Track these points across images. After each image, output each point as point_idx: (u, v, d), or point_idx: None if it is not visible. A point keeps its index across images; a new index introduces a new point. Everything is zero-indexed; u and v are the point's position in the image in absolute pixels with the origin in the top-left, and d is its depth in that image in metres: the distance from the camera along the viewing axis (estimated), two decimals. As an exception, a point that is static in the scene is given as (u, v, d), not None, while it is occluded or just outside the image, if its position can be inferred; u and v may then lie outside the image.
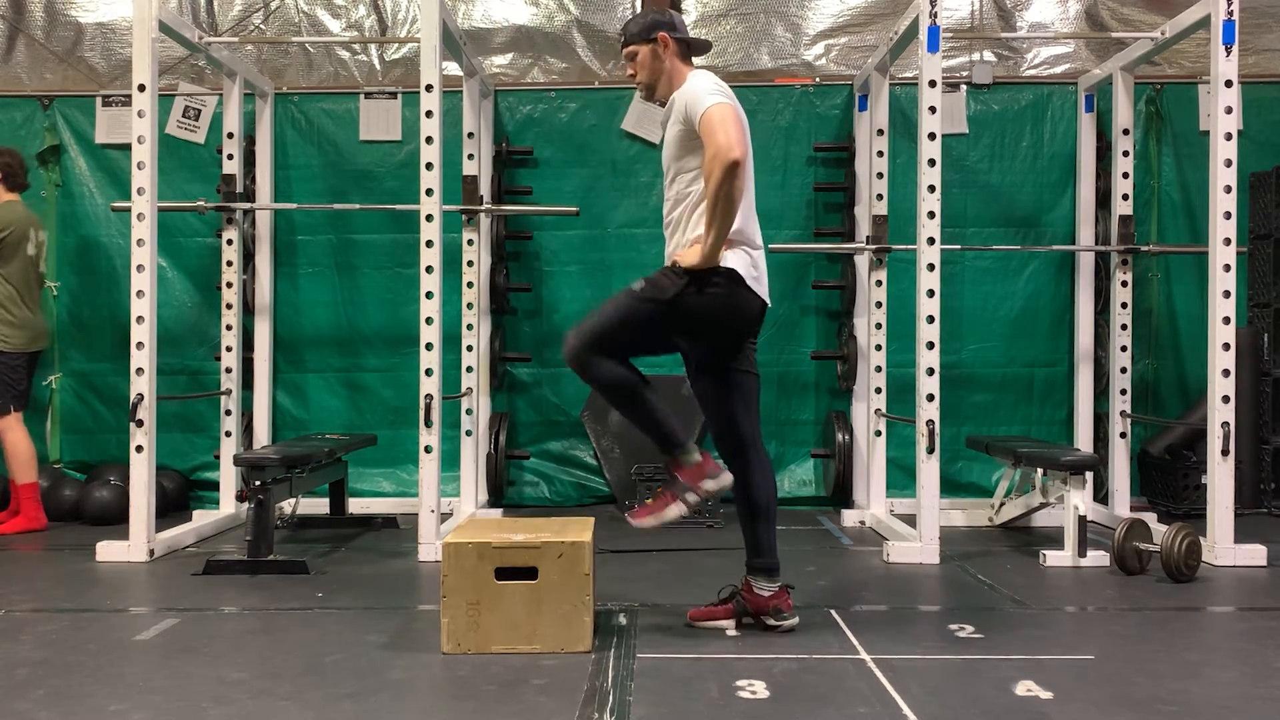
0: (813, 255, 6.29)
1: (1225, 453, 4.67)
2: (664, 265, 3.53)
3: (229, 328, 5.95)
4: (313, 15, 6.51)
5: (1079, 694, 2.91)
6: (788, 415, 6.39)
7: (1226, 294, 4.70)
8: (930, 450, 4.74)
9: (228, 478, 5.84)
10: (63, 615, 3.84)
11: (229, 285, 5.96)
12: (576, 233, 6.35)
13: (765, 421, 6.23)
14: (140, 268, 4.86)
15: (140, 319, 4.85)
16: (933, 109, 4.75)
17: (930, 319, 4.77)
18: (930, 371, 4.76)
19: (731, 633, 3.55)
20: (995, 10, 6.46)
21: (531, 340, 6.37)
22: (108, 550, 4.81)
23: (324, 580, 4.40)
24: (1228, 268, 4.71)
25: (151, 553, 4.82)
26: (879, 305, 5.80)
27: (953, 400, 6.01)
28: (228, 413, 5.92)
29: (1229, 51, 4.71)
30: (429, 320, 4.76)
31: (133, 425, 4.82)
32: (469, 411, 5.87)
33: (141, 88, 4.84)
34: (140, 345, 4.84)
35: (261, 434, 6.12)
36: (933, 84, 4.76)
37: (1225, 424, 4.67)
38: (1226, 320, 4.70)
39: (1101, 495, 5.93)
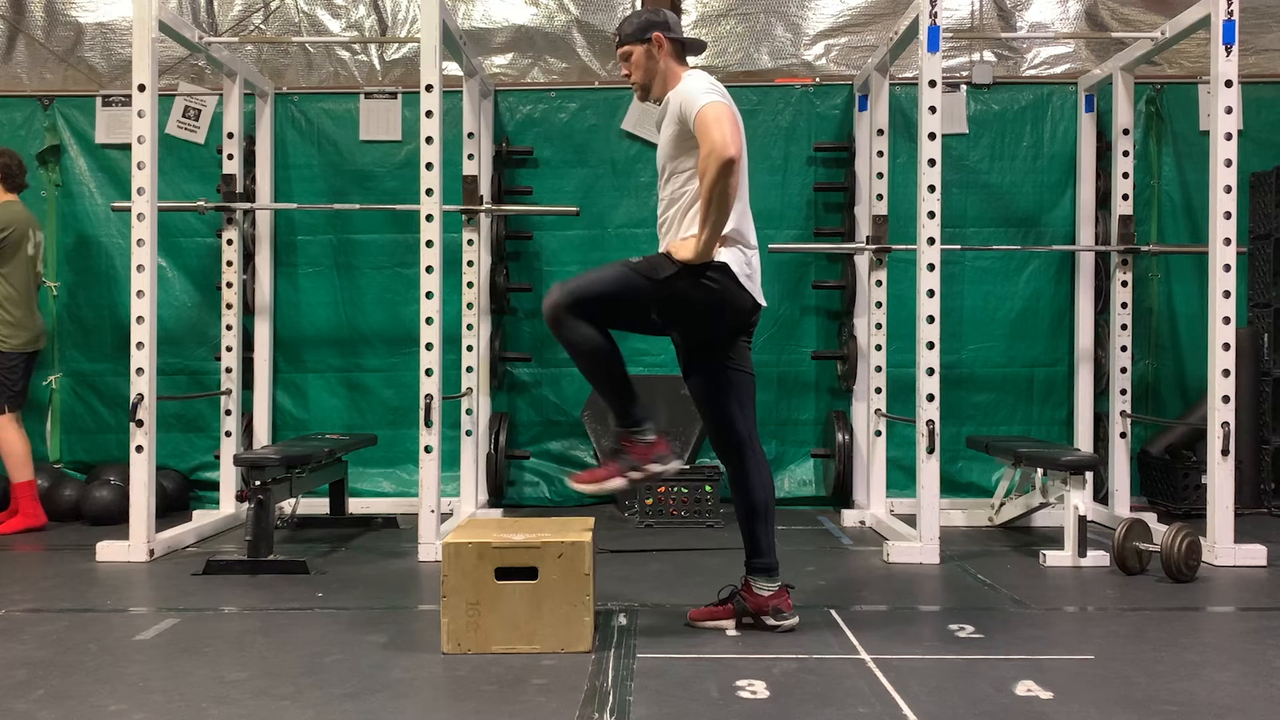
0: (813, 255, 6.30)
1: (1225, 453, 4.67)
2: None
3: (229, 328, 5.95)
4: (313, 15, 6.51)
5: (1079, 694, 2.91)
6: (788, 415, 6.39)
7: (1226, 294, 4.70)
8: (930, 450, 4.74)
9: (228, 478, 5.84)
10: (63, 615, 3.84)
11: (229, 285, 5.96)
12: (576, 233, 6.35)
13: (765, 421, 6.30)
14: (140, 268, 4.86)
15: (140, 319, 4.85)
16: (933, 109, 4.75)
17: (930, 319, 4.77)
18: (930, 371, 4.76)
19: (731, 633, 3.55)
20: (995, 10, 6.47)
21: (531, 340, 6.37)
22: (108, 550, 4.81)
23: (324, 580, 4.40)
24: (1228, 268, 4.71)
25: (151, 553, 4.82)
26: (879, 305, 5.80)
27: (953, 400, 6.01)
28: (228, 413, 5.92)
29: (1229, 51, 4.71)
30: (429, 320, 4.76)
31: (133, 425, 4.82)
32: (469, 411, 5.88)
33: (141, 88, 4.84)
34: (140, 345, 4.84)
35: (261, 434, 6.12)
36: (933, 84, 4.76)
37: (1225, 424, 4.67)
38: (1226, 320, 4.70)
39: (1101, 495, 5.93)
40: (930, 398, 4.75)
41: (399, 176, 6.34)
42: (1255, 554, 4.65)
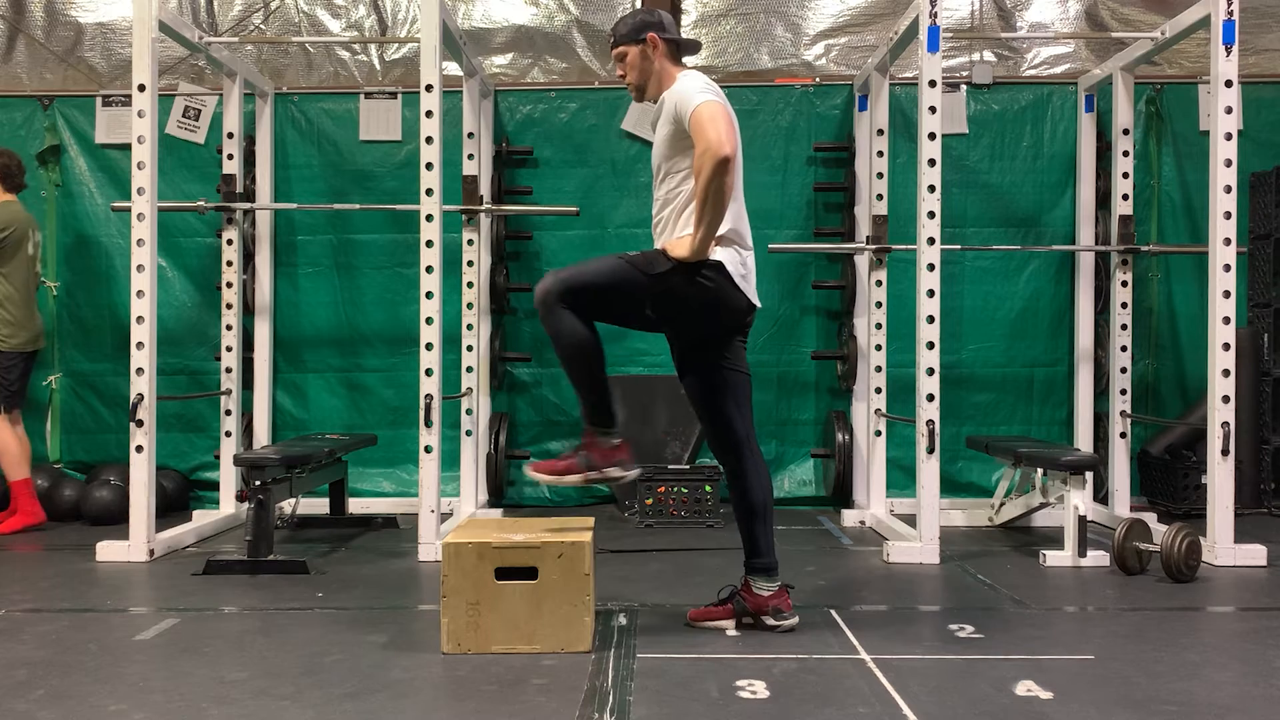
0: (813, 255, 6.30)
1: (1225, 453, 4.67)
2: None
3: (229, 328, 5.95)
4: (313, 15, 6.51)
5: (1079, 694, 2.91)
6: (788, 415, 6.39)
7: (1226, 294, 4.70)
8: (930, 450, 4.74)
9: (228, 478, 5.84)
10: (63, 615, 3.84)
11: (229, 285, 5.96)
12: (576, 233, 6.35)
13: (765, 421, 6.31)
14: (140, 268, 4.86)
15: (140, 319, 4.85)
16: (933, 109, 4.75)
17: (930, 319, 4.77)
18: (930, 371, 4.76)
19: (731, 633, 3.55)
20: (995, 10, 6.47)
21: (531, 340, 6.37)
22: (108, 550, 4.81)
23: (324, 580, 4.40)
24: (1228, 268, 4.71)
25: (151, 553, 4.82)
26: (879, 305, 5.80)
27: (953, 400, 6.01)
28: (228, 413, 5.92)
29: (1229, 51, 4.71)
30: (429, 320, 4.76)
31: (133, 425, 4.82)
32: (469, 411, 5.88)
33: (141, 88, 4.84)
34: (140, 345, 4.84)
35: (261, 434, 6.12)
36: (933, 84, 4.75)
37: (1225, 424, 4.67)
38: (1226, 320, 4.70)
39: (1101, 495, 5.93)
40: (930, 398, 4.75)
41: (399, 176, 6.34)
42: (1255, 554, 4.65)
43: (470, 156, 5.80)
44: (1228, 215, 4.71)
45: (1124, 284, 5.87)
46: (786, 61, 6.53)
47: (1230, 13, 4.71)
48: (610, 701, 2.85)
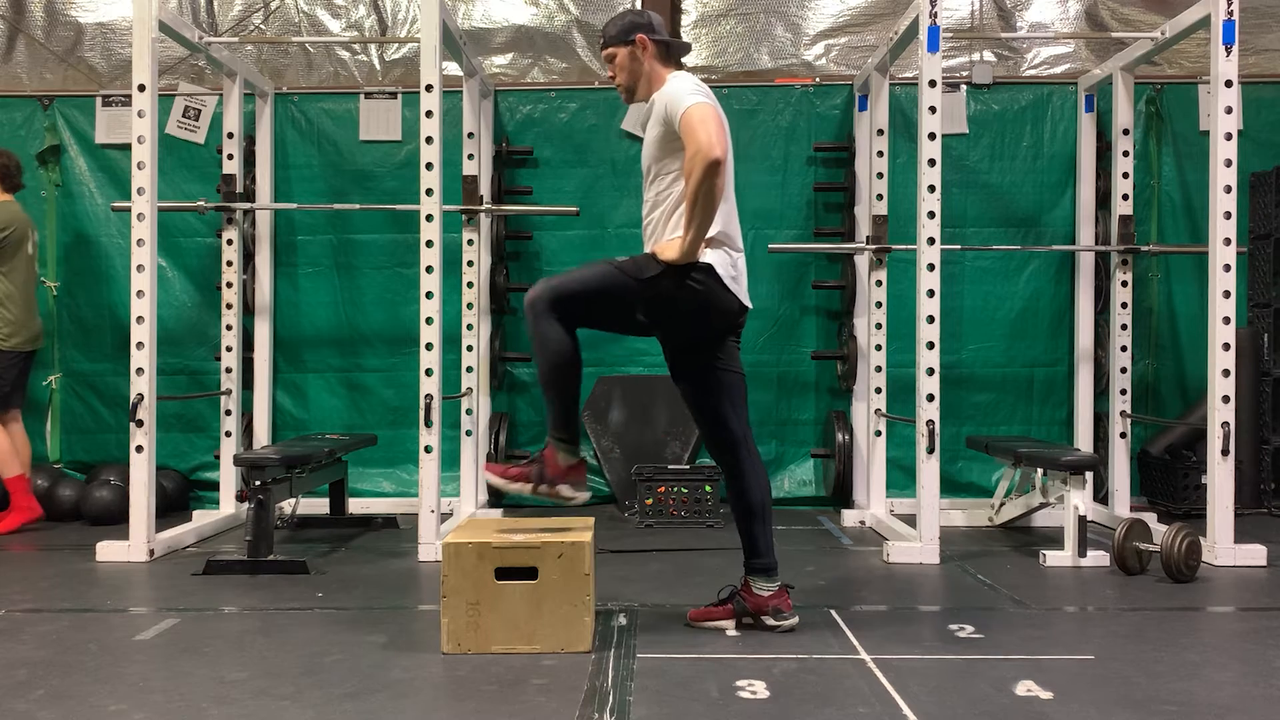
0: (813, 255, 6.30)
1: (1225, 453, 4.67)
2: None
3: (229, 328, 5.95)
4: (313, 15, 6.51)
5: (1079, 694, 2.91)
6: (788, 415, 6.39)
7: (1226, 294, 4.70)
8: (930, 450, 4.74)
9: (228, 478, 5.84)
10: (63, 615, 3.84)
11: (229, 285, 5.96)
12: (576, 233, 6.35)
13: (765, 421, 6.31)
14: (140, 268, 4.86)
15: (140, 319, 4.85)
16: (933, 109, 4.75)
17: (930, 319, 4.77)
18: (930, 371, 4.76)
19: (731, 633, 3.55)
20: (995, 10, 6.47)
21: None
22: (108, 550, 4.81)
23: (324, 580, 4.40)
24: (1228, 268, 4.71)
25: (151, 553, 4.82)
26: (879, 305, 5.80)
27: (953, 400, 6.01)
28: (228, 413, 5.92)
29: (1229, 51, 4.71)
30: (429, 320, 4.76)
31: (133, 425, 4.82)
32: (469, 411, 5.88)
33: (141, 88, 4.84)
34: (140, 345, 4.84)
35: (261, 434, 6.12)
36: (933, 84, 4.75)
37: (1225, 424, 4.67)
38: (1226, 320, 4.70)
39: (1101, 495, 5.93)
40: (930, 398, 4.75)
41: (399, 176, 6.34)
42: (1255, 554, 4.65)
43: (470, 156, 5.80)
44: (1228, 215, 4.71)
45: (1124, 284, 5.87)
46: (786, 61, 6.53)
47: (1230, 13, 4.71)
48: (610, 701, 2.85)
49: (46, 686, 3.00)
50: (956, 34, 6.34)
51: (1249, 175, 6.10)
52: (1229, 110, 4.70)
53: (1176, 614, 3.87)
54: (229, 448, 5.86)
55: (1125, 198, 5.83)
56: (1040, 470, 5.09)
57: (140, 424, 4.82)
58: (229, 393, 5.92)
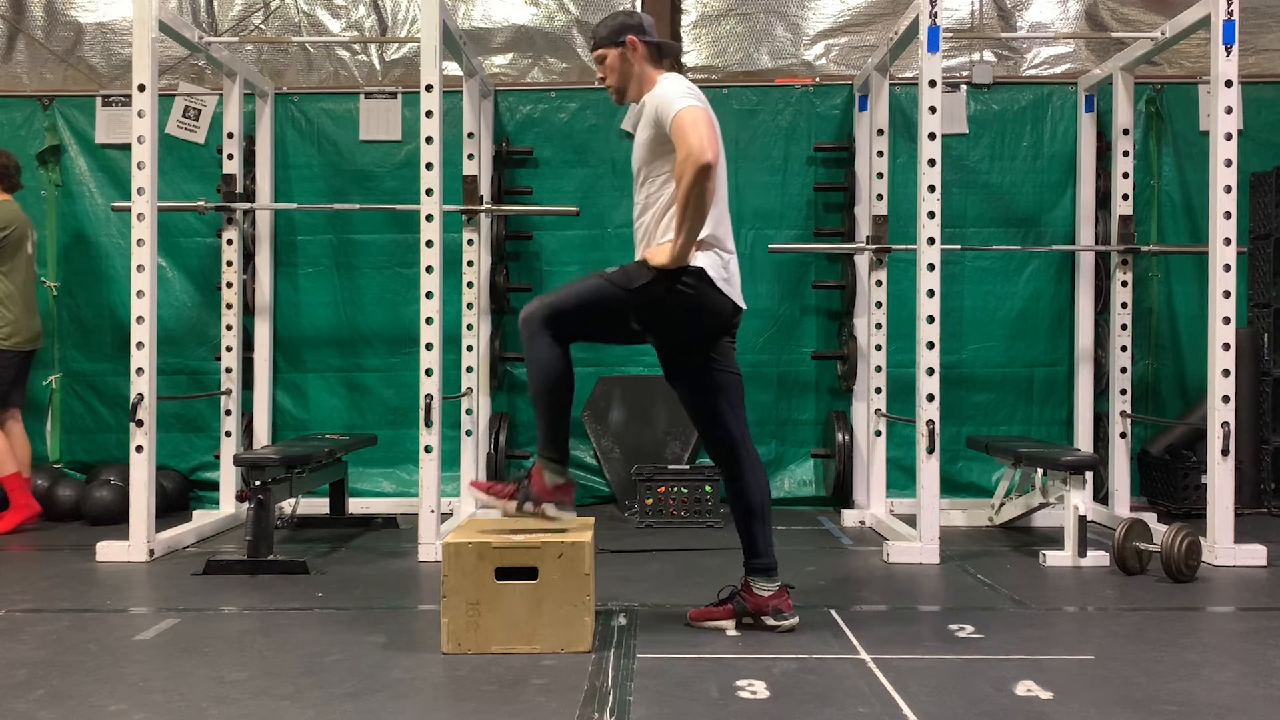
0: (813, 255, 6.30)
1: (1225, 453, 4.67)
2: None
3: (229, 328, 5.95)
4: (313, 15, 6.52)
5: (1079, 694, 2.91)
6: (788, 415, 6.39)
7: (1226, 294, 4.70)
8: (930, 450, 4.74)
9: (228, 478, 5.84)
10: (63, 615, 3.84)
11: (229, 285, 5.96)
12: (576, 233, 6.35)
13: (765, 421, 6.31)
14: (140, 268, 4.86)
15: (140, 319, 4.85)
16: (933, 109, 4.75)
17: (930, 319, 4.77)
18: (930, 371, 4.76)
19: (731, 633, 3.55)
20: (995, 10, 6.47)
21: (531, 340, 6.35)
22: (108, 550, 4.81)
23: (324, 580, 4.40)
24: (1228, 268, 4.71)
25: (151, 553, 4.82)
26: (879, 305, 5.80)
27: (953, 400, 6.01)
28: (228, 413, 5.92)
29: (1229, 51, 4.71)
30: (429, 320, 4.76)
31: (133, 425, 4.82)
32: (469, 411, 5.88)
33: (141, 88, 4.84)
34: (140, 345, 4.84)
35: (261, 434, 6.12)
36: (933, 84, 4.75)
37: (1225, 424, 4.67)
38: (1226, 320, 4.70)
39: (1101, 495, 5.93)
40: (930, 398, 4.75)
41: (399, 176, 6.34)
42: (1255, 554, 4.65)
43: (470, 156, 5.80)
44: (1228, 215, 4.71)
45: (1124, 284, 5.87)
46: (786, 61, 6.53)
47: (1230, 13, 4.71)
48: (610, 701, 2.85)
49: (46, 686, 3.00)
50: (956, 34, 6.35)
51: (1249, 175, 6.10)
52: (1229, 110, 4.70)
53: (1176, 614, 3.87)
54: (229, 448, 5.86)
55: (1125, 198, 5.83)
56: (1040, 470, 5.09)
57: (140, 424, 4.82)
58: (229, 393, 5.92)
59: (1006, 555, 4.94)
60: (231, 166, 5.91)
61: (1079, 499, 4.68)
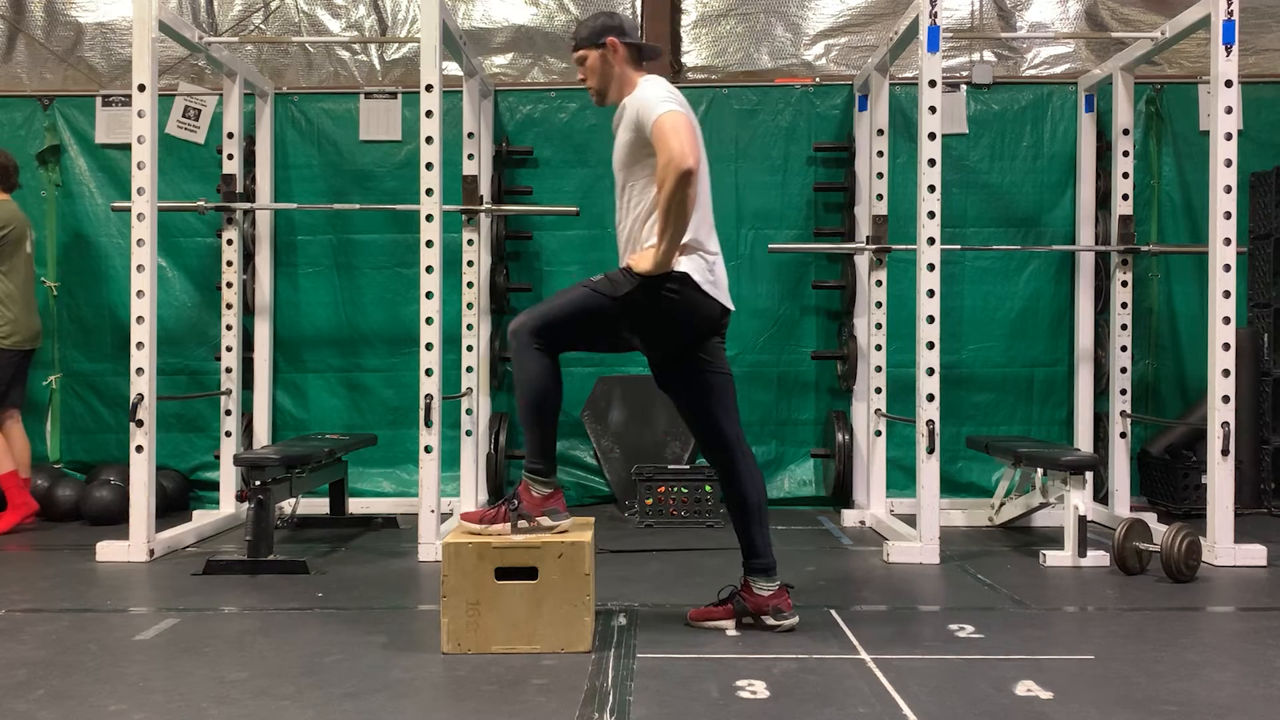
0: (813, 255, 6.30)
1: (1225, 453, 4.67)
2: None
3: (229, 328, 5.95)
4: (313, 15, 6.52)
5: (1079, 694, 2.92)
6: (788, 415, 6.39)
7: (1226, 294, 4.70)
8: (930, 450, 4.74)
9: (228, 478, 5.84)
10: (63, 615, 3.84)
11: (229, 285, 5.96)
12: (576, 233, 6.35)
13: (765, 421, 6.31)
14: (140, 268, 4.86)
15: (140, 319, 4.85)
16: (933, 109, 4.75)
17: (930, 319, 4.77)
18: (930, 371, 4.76)
19: (731, 633, 3.55)
20: (995, 10, 6.47)
21: (531, 340, 6.35)
22: (108, 550, 4.81)
23: (324, 580, 4.40)
24: (1228, 268, 4.71)
25: (151, 553, 4.82)
26: (879, 305, 5.80)
27: (953, 400, 6.01)
28: (228, 413, 5.92)
29: (1229, 51, 4.71)
30: (429, 320, 4.76)
31: (133, 425, 4.82)
32: (469, 411, 5.88)
33: (141, 88, 4.84)
34: (140, 345, 4.84)
35: (261, 434, 6.12)
36: (933, 84, 4.75)
37: (1225, 424, 4.67)
38: (1226, 320, 4.70)
39: (1101, 495, 5.93)
40: (930, 398, 4.75)
41: (399, 176, 6.34)
42: (1255, 554, 4.65)
43: (470, 156, 5.80)
44: (1228, 215, 4.71)
45: (1124, 284, 5.87)
46: (786, 61, 6.53)
47: (1230, 13, 4.71)
48: (610, 701, 2.85)
49: (46, 686, 3.00)
50: (956, 34, 6.35)
51: (1249, 175, 6.10)
52: (1229, 110, 4.70)
53: (1176, 614, 3.87)
54: (229, 448, 5.86)
55: (1125, 198, 5.83)
56: (1040, 470, 5.10)
57: (140, 424, 4.82)
58: (229, 393, 5.92)
59: (1006, 555, 4.94)
60: (231, 166, 5.91)
61: (1079, 499, 4.68)
